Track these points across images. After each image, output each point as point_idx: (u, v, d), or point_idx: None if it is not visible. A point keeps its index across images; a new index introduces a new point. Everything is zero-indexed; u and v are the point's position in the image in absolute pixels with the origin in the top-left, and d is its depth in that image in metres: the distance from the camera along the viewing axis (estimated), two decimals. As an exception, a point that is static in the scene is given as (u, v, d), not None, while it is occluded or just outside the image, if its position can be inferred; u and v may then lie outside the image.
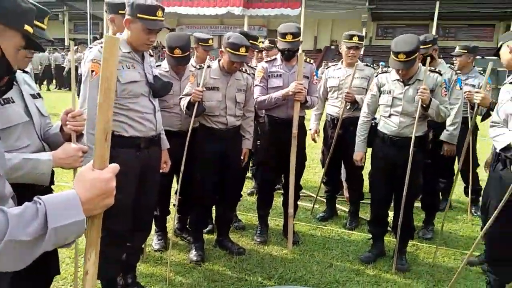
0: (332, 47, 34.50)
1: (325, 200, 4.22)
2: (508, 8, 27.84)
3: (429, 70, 2.97)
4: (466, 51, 4.06)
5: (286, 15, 31.01)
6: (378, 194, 3.23)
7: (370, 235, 3.36)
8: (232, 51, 2.89)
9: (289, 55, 3.34)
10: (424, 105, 2.84)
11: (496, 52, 2.74)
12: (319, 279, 2.90)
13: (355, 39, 3.73)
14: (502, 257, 2.49)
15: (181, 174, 2.86)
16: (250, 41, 3.39)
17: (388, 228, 3.36)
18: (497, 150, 2.43)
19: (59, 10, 32.47)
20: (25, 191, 1.48)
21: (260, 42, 4.32)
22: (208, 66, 2.98)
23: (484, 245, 2.74)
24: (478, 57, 11.00)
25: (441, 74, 3.04)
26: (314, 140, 4.10)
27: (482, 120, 3.45)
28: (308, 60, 3.49)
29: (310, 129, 4.05)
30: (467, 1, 27.59)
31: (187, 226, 3.48)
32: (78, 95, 2.45)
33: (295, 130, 3.22)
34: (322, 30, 35.02)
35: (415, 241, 3.55)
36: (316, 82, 3.58)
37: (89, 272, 1.04)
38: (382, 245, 3.29)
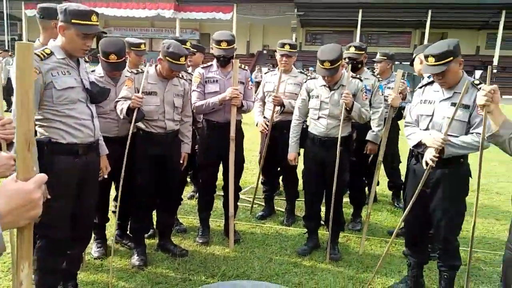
0: (264, 51, 35.38)
1: (263, 200, 4.41)
2: (423, 17, 30.51)
3: (351, 77, 3.28)
4: (385, 58, 4.48)
5: (218, 19, 31.19)
6: (310, 191, 3.48)
7: (306, 230, 3.61)
8: (172, 61, 2.95)
9: (224, 61, 3.48)
10: (347, 108, 3.14)
11: (411, 62, 3.27)
12: (260, 273, 3.07)
13: (287, 47, 3.96)
14: (418, 241, 2.85)
15: (121, 181, 2.86)
16: None
17: (322, 222, 3.62)
18: (410, 147, 2.77)
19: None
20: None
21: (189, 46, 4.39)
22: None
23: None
24: (396, 62, 11.99)
25: (361, 80, 3.37)
26: (265, 129, 4.07)
27: (394, 119, 3.84)
28: (242, 66, 3.65)
29: (257, 124, 4.19)
30: (387, 10, 29.72)
31: (128, 232, 3.46)
32: (6, 100, 2.37)
33: (232, 133, 3.36)
34: (254, 34, 35.64)
35: (346, 233, 3.86)
36: (251, 88, 3.74)
37: (23, 283, 1.00)
38: (316, 238, 3.55)
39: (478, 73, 30.28)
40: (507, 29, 29.85)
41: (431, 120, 2.62)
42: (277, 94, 3.87)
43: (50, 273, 2.37)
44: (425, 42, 31.19)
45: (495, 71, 30.31)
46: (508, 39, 31.43)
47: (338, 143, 3.15)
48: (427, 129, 2.64)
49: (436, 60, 2.47)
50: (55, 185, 1.98)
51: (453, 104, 2.47)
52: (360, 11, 30.44)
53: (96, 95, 2.49)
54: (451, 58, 2.46)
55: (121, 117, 2.99)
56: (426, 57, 2.53)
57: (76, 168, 2.38)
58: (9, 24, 29.15)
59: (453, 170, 2.59)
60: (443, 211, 2.62)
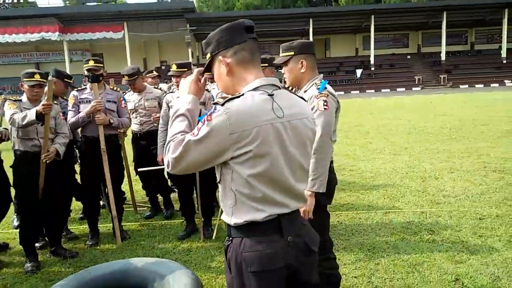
0: (163, 67, 35.50)
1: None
2: (306, 26, 33.35)
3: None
4: (267, 64, 4.96)
5: (109, 38, 30.63)
6: (180, 186, 4.14)
7: (184, 218, 4.28)
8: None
9: (93, 78, 3.93)
10: None
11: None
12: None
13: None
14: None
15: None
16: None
17: (196, 211, 4.31)
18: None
19: None
20: None
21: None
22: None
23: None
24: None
25: (209, 91, 4.14)
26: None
27: None
28: (114, 88, 4.23)
29: None
30: (274, 21, 31.71)
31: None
32: None
33: (102, 145, 3.88)
34: (150, 51, 35.53)
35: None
36: (124, 106, 4.29)
37: None
38: (193, 223, 4.23)
39: (359, 71, 34.13)
40: (378, 31, 34.05)
41: None
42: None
43: None
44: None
45: (372, 69, 34.39)
46: (379, 40, 35.86)
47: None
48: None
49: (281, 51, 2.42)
50: None
51: None
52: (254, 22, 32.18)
53: None
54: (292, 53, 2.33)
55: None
56: None
57: None
58: None
59: None
60: None
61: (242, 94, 1.36)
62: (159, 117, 4.35)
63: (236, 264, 1.38)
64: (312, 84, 2.32)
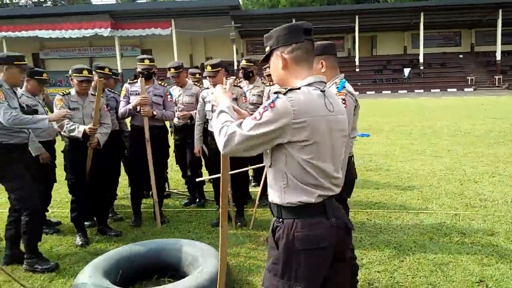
0: (207, 63, 36.25)
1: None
2: (352, 23, 32.77)
3: (234, 85, 4.24)
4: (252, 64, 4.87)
5: (158, 34, 31.71)
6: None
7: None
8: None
9: (147, 75, 4.35)
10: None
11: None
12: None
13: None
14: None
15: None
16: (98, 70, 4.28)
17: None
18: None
19: None
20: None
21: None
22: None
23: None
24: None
25: (241, 87, 4.34)
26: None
27: None
28: (162, 84, 4.58)
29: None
30: (320, 18, 31.45)
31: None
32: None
33: (147, 135, 4.22)
34: (196, 47, 36.34)
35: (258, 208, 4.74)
36: (170, 100, 4.62)
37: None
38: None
39: (407, 70, 33.10)
40: (427, 29, 32.84)
41: None
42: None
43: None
44: (357, 45, 33.63)
45: (422, 68, 33.25)
46: (429, 38, 34.59)
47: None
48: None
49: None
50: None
51: None
52: (294, 20, 32.15)
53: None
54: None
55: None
56: None
57: None
58: None
59: None
60: None
61: (299, 88, 1.53)
62: (185, 115, 4.78)
63: (286, 242, 1.55)
64: (333, 83, 2.45)
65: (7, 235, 3.47)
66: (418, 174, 6.31)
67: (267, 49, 1.68)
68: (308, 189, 1.53)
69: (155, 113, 4.30)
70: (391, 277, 3.11)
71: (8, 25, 30.50)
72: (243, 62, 4.89)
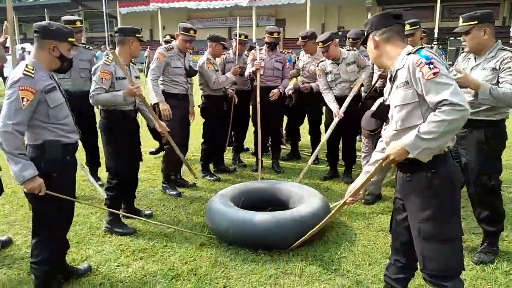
0: (340, 33, 35.48)
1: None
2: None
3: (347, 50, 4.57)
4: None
5: (292, 3, 32.14)
6: (330, 138, 4.74)
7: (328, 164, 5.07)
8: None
9: (273, 46, 4.99)
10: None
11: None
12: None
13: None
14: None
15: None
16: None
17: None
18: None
19: (74, 10, 33.85)
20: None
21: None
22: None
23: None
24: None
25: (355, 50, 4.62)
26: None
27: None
28: (283, 51, 5.20)
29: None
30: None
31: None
32: None
33: (258, 98, 4.82)
34: (329, 17, 35.80)
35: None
36: (288, 67, 5.18)
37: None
38: (335, 170, 4.94)
39: None
40: None
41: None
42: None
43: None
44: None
45: None
46: None
47: (348, 100, 4.44)
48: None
49: (463, 21, 2.68)
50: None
51: (484, 69, 2.63)
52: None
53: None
54: (476, 22, 2.58)
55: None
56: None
57: None
58: (107, 22, 33.33)
59: (497, 129, 2.67)
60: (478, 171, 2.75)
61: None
62: (305, 87, 5.12)
63: (438, 184, 1.82)
64: (500, 49, 2.63)
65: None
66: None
67: (365, 33, 2.02)
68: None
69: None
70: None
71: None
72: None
